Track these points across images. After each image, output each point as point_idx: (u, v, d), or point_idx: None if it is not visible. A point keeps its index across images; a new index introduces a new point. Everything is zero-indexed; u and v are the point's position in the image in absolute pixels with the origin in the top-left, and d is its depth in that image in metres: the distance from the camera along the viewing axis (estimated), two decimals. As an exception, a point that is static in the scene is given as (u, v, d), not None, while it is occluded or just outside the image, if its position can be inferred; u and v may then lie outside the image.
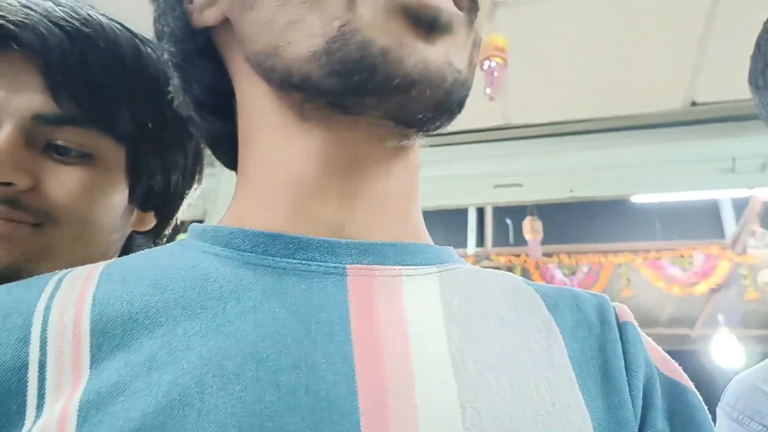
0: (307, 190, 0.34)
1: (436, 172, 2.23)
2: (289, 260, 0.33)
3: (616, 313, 0.38)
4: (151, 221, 0.58)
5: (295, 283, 0.32)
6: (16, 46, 0.46)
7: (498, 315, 0.35)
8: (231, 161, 0.41)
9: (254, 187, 0.36)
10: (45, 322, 0.30)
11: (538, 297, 0.38)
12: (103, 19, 0.50)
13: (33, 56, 0.46)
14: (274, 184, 0.35)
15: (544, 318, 0.36)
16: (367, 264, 0.33)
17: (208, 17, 0.36)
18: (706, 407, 0.36)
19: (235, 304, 0.31)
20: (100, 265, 0.34)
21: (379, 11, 0.30)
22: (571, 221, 3.46)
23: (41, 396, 0.28)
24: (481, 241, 3.75)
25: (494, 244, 3.76)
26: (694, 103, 1.97)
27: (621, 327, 0.37)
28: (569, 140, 2.12)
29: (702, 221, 3.76)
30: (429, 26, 0.30)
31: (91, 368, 0.28)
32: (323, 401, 0.27)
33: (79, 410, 0.26)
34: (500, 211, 3.75)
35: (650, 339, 0.39)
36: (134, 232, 0.57)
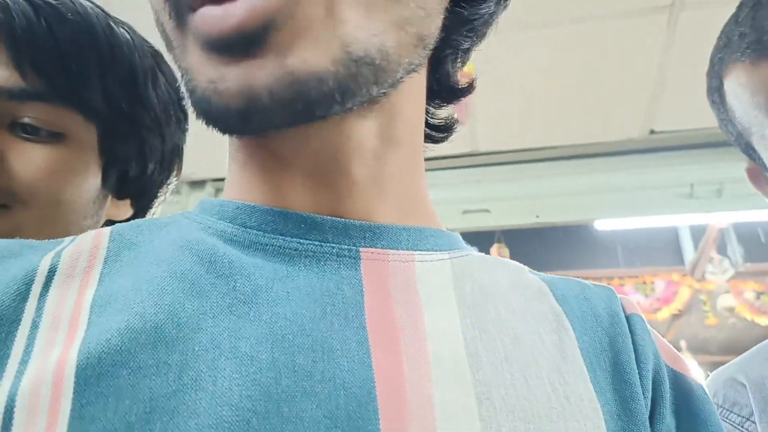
0: (291, 180, 0.33)
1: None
2: (301, 240, 0.31)
3: (623, 305, 0.38)
4: (127, 210, 0.55)
5: (307, 265, 0.31)
6: None
7: (509, 304, 0.34)
8: None
9: (243, 169, 0.35)
10: (49, 278, 0.28)
11: (546, 287, 0.37)
12: None
13: None
14: (257, 170, 0.34)
15: (554, 309, 0.35)
16: (380, 248, 0.32)
17: None
18: (711, 400, 0.36)
19: (245, 282, 0.29)
20: (105, 231, 0.32)
21: (198, 51, 0.27)
22: (537, 248, 3.52)
23: (29, 347, 0.26)
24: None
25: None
26: (652, 131, 2.05)
27: (629, 319, 0.37)
28: (534, 167, 2.17)
29: (662, 248, 3.87)
30: (244, 48, 0.26)
31: (89, 325, 0.26)
32: (339, 388, 0.26)
33: (77, 373, 0.24)
34: (468, 238, 3.77)
35: (656, 331, 0.39)
36: (110, 222, 0.54)
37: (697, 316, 3.76)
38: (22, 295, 0.27)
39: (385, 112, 0.33)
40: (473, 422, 0.27)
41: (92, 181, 0.50)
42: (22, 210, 0.45)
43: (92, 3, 0.49)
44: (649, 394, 0.34)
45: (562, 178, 2.16)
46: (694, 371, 0.37)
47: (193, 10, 0.27)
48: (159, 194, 0.58)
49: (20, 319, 0.27)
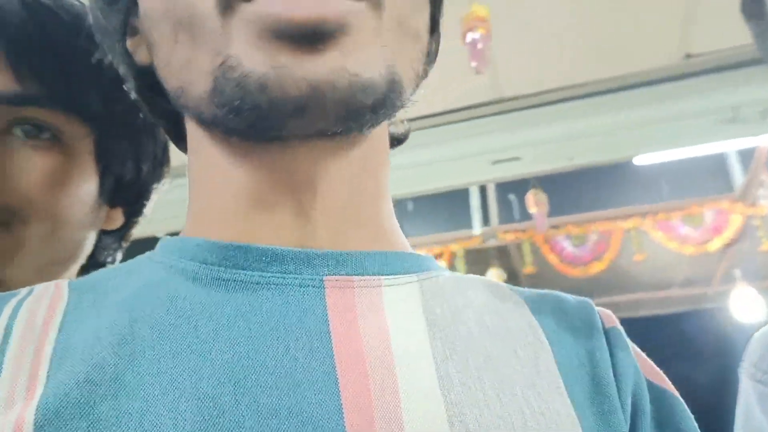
0: (262, 207, 0.32)
1: (430, 155, 2.19)
2: (263, 273, 0.31)
3: (601, 318, 0.37)
4: (119, 219, 0.53)
5: (270, 298, 0.30)
6: None
7: (482, 322, 0.33)
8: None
9: (210, 199, 0.34)
10: (8, 332, 0.29)
11: (522, 302, 0.36)
12: None
13: None
14: (227, 203, 0.33)
15: (530, 324, 0.35)
16: (345, 275, 0.32)
17: (142, 57, 0.36)
18: (691, 414, 0.36)
19: (207, 322, 0.29)
20: (63, 283, 0.33)
21: (250, 39, 0.27)
22: (576, 190, 3.41)
23: None
24: (486, 220, 3.70)
25: (500, 222, 3.71)
26: (688, 56, 1.91)
27: (607, 332, 0.36)
28: (564, 107, 2.07)
29: (709, 176, 3.70)
30: (310, 40, 0.27)
31: (48, 379, 0.27)
32: (308, 423, 0.26)
33: (35, 426, 0.24)
34: (503, 188, 3.70)
35: (635, 345, 0.38)
36: (102, 233, 0.52)
37: (751, 243, 3.62)
38: None
39: (369, 140, 0.34)
40: None
41: (90, 189, 0.48)
42: (22, 227, 0.44)
43: (81, 2, 0.46)
44: (629, 408, 0.34)
45: (594, 116, 2.05)
46: (671, 385, 0.37)
47: None
48: (150, 199, 0.55)
49: None
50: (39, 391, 0.26)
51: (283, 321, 0.29)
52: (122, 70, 0.38)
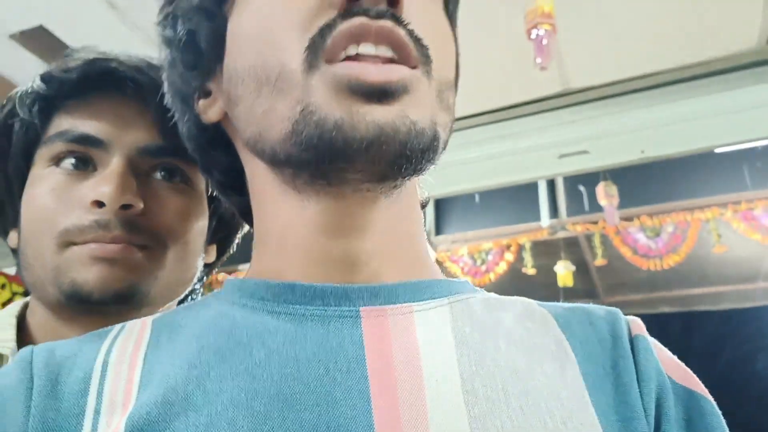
0: (314, 250, 0.38)
1: (498, 149, 2.18)
2: (308, 307, 0.36)
3: (629, 327, 0.40)
4: (213, 253, 0.63)
5: (313, 327, 0.35)
6: (132, 87, 0.52)
7: (510, 339, 0.37)
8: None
9: (269, 246, 0.40)
10: (105, 366, 0.36)
11: (550, 317, 0.40)
12: None
13: (140, 97, 0.52)
14: (285, 245, 0.39)
15: (557, 338, 0.38)
16: (379, 305, 0.36)
17: (212, 115, 0.42)
18: (721, 414, 0.37)
19: (260, 348, 0.34)
20: (149, 320, 0.40)
21: (330, 92, 0.33)
22: (650, 180, 3.28)
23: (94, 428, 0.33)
24: (554, 212, 3.63)
25: (569, 214, 3.62)
26: (770, 40, 1.81)
27: (633, 341, 0.39)
28: (634, 98, 2.01)
29: (797, 163, 3.46)
30: (379, 98, 0.33)
31: (136, 400, 0.33)
32: None
33: None
34: (572, 179, 3.61)
35: (665, 349, 0.40)
36: (205, 266, 0.62)
37: (844, 234, 3.37)
38: (82, 392, 0.34)
39: (407, 189, 0.39)
40: None
41: (205, 224, 0.58)
42: (160, 250, 0.53)
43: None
44: (652, 411, 0.35)
45: (667, 107, 1.98)
46: (702, 387, 0.38)
47: (330, 62, 0.34)
48: (237, 236, 0.65)
49: (83, 412, 0.33)
50: (129, 410, 0.32)
51: (324, 347, 0.34)
52: (186, 127, 0.44)
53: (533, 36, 1.50)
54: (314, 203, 0.37)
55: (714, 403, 0.38)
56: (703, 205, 3.26)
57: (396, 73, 0.34)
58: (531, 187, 3.67)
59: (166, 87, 0.45)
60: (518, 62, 1.82)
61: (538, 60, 1.50)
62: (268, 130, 0.36)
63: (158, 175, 0.54)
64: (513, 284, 3.78)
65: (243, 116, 0.38)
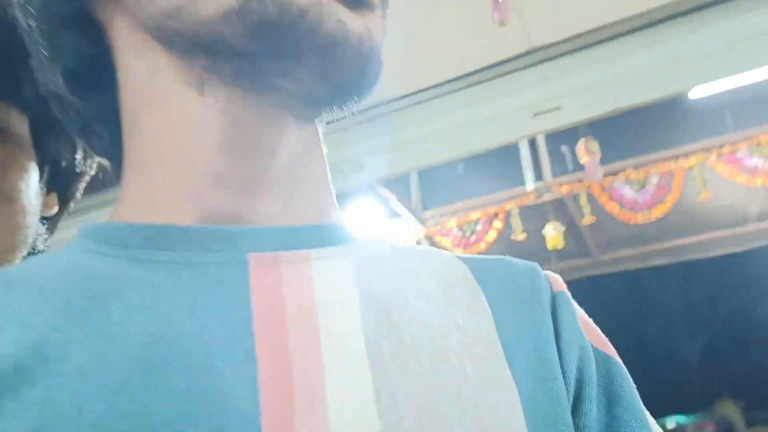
0: (205, 176, 0.31)
1: (468, 116, 2.14)
2: (183, 253, 0.30)
3: (549, 282, 0.38)
4: (54, 204, 0.54)
5: (188, 278, 0.29)
6: None
7: (421, 290, 0.33)
8: (107, 147, 0.37)
9: (143, 174, 0.33)
10: None
11: (466, 268, 0.36)
12: None
13: None
14: (166, 169, 0.32)
15: (473, 290, 0.35)
16: (272, 251, 0.31)
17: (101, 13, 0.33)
18: (632, 382, 0.36)
19: (119, 304, 0.27)
20: None
21: None
22: (631, 134, 3.24)
23: None
24: (539, 174, 3.60)
25: (554, 175, 3.60)
26: (735, -26, 1.76)
27: (554, 297, 0.37)
28: (602, 49, 1.96)
29: (776, 101, 3.42)
30: (354, 2, 0.30)
31: None
32: (222, 405, 0.25)
33: None
34: (554, 139, 3.57)
35: (582, 310, 0.38)
36: (42, 219, 0.53)
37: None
38: None
39: (316, 129, 0.36)
40: (371, 420, 0.26)
41: (35, 176, 0.49)
42: None
43: None
44: (573, 374, 0.33)
45: (636, 54, 1.93)
46: (614, 351, 0.37)
47: None
48: (83, 182, 0.55)
49: None
50: None
51: (202, 300, 0.28)
52: (50, 51, 0.34)
53: (488, -8, 1.45)
54: (219, 110, 0.30)
55: (624, 368, 0.36)
56: (687, 153, 3.23)
57: None
58: (513, 152, 3.63)
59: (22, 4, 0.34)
60: (480, 25, 1.77)
61: (496, 16, 1.46)
62: (194, 5, 0.28)
63: None
64: (504, 252, 3.75)
65: None
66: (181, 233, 0.30)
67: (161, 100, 0.31)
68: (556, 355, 0.33)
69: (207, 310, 0.28)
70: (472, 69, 2.11)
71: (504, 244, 3.64)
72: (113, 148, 0.36)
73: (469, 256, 0.39)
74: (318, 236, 0.33)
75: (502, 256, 0.39)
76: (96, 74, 0.34)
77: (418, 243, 3.39)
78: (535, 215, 3.68)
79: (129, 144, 0.34)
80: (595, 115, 1.97)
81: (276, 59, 0.29)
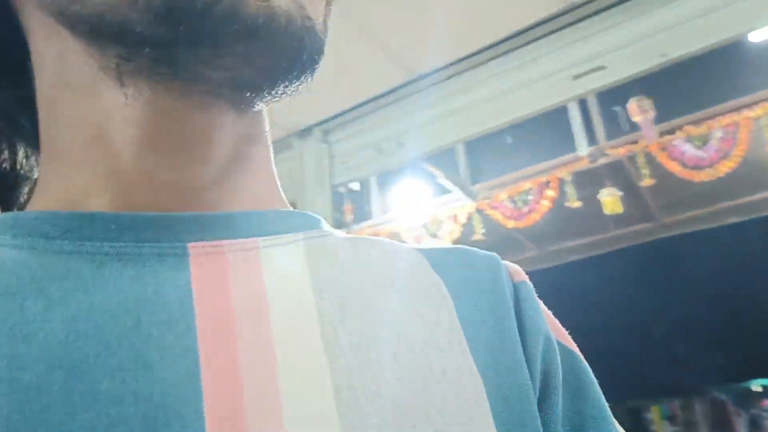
0: (133, 171, 0.28)
1: (506, 84, 2.06)
2: (113, 244, 0.27)
3: (510, 272, 0.36)
4: None
5: (120, 270, 0.26)
6: None
7: (378, 281, 0.31)
8: (31, 138, 0.35)
9: (64, 160, 0.30)
10: None
11: (423, 259, 0.35)
12: None
13: None
14: (87, 163, 0.29)
15: (432, 280, 0.33)
16: (215, 240, 0.28)
17: None
18: (593, 377, 0.35)
19: (36, 299, 0.25)
20: None
21: None
22: (687, 87, 3.05)
23: None
24: (591, 138, 3.45)
25: (608, 138, 3.44)
26: None
27: (516, 287, 0.35)
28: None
29: None
30: None
31: None
32: (158, 408, 0.23)
33: None
34: (605, 99, 3.41)
35: (542, 303, 0.37)
36: None
37: None
38: None
39: (260, 112, 0.33)
40: (330, 418, 0.24)
41: None
42: None
43: None
44: (538, 366, 0.32)
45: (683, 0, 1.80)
46: (574, 344, 0.36)
47: None
48: (26, 188, 0.49)
49: None
50: None
51: (135, 294, 0.25)
52: None
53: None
54: (143, 102, 0.28)
55: (585, 361, 0.35)
56: (753, 102, 3.01)
57: None
58: (563, 117, 3.50)
59: None
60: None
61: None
62: None
63: None
64: (558, 220, 3.65)
65: None
66: (110, 221, 0.27)
67: (78, 89, 0.29)
68: (521, 346, 0.32)
69: (141, 305, 0.25)
70: (507, 34, 2.03)
71: (558, 213, 3.53)
72: (33, 138, 0.34)
73: (426, 246, 0.37)
74: (266, 222, 0.31)
75: (459, 246, 0.37)
76: (9, 59, 0.32)
77: (470, 217, 3.33)
78: (590, 181, 3.54)
79: (45, 133, 0.31)
80: (642, 69, 1.86)
81: (194, 47, 0.26)
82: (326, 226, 0.35)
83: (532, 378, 0.31)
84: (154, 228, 0.28)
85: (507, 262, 0.37)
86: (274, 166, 0.36)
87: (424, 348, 0.29)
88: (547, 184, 3.42)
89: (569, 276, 4.71)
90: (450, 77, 2.15)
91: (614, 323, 4.81)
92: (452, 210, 3.37)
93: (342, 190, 2.37)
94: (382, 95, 2.17)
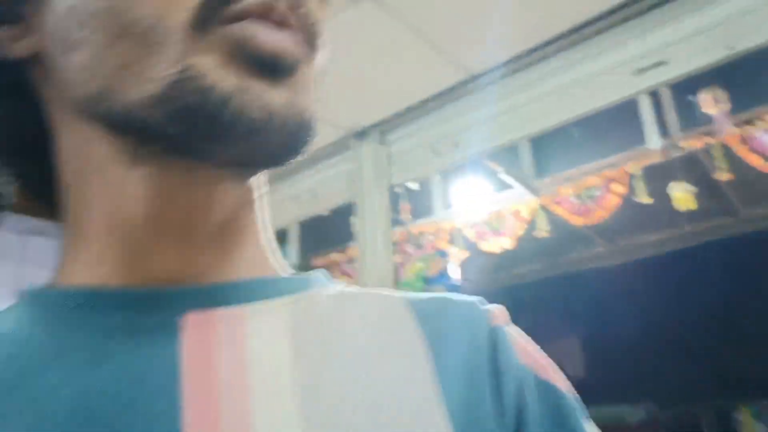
0: (139, 238, 0.32)
1: (563, 80, 2.03)
2: (116, 317, 0.30)
3: (488, 317, 0.37)
4: None
5: (121, 343, 0.29)
6: None
7: (359, 340, 0.34)
8: (50, 209, 0.39)
9: (80, 238, 0.34)
10: None
11: (408, 312, 0.36)
12: None
13: None
14: (101, 233, 0.33)
15: (413, 334, 0.35)
16: (206, 309, 0.31)
17: (17, 50, 0.33)
18: (579, 408, 0.36)
19: (52, 375, 0.28)
20: None
21: (219, 56, 0.28)
22: (760, 78, 2.86)
23: None
24: (663, 130, 3.30)
25: (681, 129, 3.28)
26: None
27: (492, 332, 0.36)
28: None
29: None
30: (271, 71, 0.29)
31: None
32: None
33: None
34: (679, 89, 3.25)
35: (529, 339, 0.38)
36: None
37: None
38: None
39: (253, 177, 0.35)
40: None
41: None
42: None
43: None
44: (513, 411, 0.33)
45: (752, -11, 1.70)
46: (559, 379, 0.37)
47: (239, 20, 0.29)
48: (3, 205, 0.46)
49: None
50: None
51: (131, 366, 0.28)
52: None
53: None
54: (153, 176, 0.31)
55: (573, 395, 0.36)
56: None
57: (292, 45, 0.30)
58: (632, 109, 3.36)
59: None
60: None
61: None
62: (121, 88, 0.29)
63: None
64: (628, 216, 3.52)
65: (81, 67, 0.31)
66: (115, 296, 0.31)
67: (96, 172, 0.32)
68: (495, 395, 0.33)
69: (134, 375, 0.28)
70: (567, 28, 1.99)
71: (628, 209, 3.41)
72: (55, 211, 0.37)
73: (415, 296, 0.38)
74: (255, 289, 0.33)
75: (442, 294, 0.39)
76: (32, 143, 0.36)
77: (533, 213, 3.28)
78: (662, 175, 3.39)
79: (69, 210, 0.35)
80: (707, 63, 1.78)
81: (204, 141, 0.29)
82: (319, 284, 0.37)
83: (505, 415, 0.33)
84: (150, 301, 0.31)
85: (490, 306, 0.38)
86: (265, 228, 0.38)
87: (398, 404, 0.31)
88: (614, 179, 3.31)
89: (643, 273, 4.54)
90: (507, 75, 2.14)
91: (695, 321, 4.60)
92: (515, 206, 3.33)
93: (398, 190, 2.41)
94: (439, 95, 2.18)
